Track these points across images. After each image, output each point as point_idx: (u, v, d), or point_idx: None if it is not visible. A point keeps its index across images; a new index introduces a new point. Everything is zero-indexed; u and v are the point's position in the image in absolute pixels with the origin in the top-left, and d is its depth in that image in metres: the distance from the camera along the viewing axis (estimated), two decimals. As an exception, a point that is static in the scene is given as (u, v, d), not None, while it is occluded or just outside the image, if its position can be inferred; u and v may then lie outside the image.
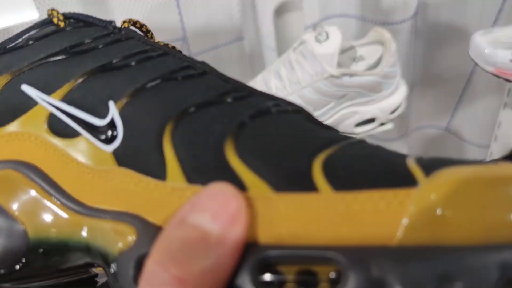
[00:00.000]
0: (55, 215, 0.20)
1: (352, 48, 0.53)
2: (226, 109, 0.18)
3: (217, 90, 0.19)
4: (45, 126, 0.20)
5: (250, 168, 0.16)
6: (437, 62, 0.67)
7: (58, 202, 0.20)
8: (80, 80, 0.20)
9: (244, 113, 0.18)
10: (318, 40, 0.47)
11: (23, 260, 0.20)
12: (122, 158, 0.19)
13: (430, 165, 0.14)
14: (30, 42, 0.22)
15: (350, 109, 0.50)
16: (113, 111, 0.19)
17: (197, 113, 0.18)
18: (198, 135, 0.18)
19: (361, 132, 0.52)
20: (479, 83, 0.66)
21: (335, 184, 0.14)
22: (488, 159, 0.61)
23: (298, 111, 0.18)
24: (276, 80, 0.50)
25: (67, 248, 0.20)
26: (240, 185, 0.16)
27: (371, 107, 0.50)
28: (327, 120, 0.49)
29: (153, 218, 0.17)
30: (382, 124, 0.52)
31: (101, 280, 0.25)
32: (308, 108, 0.48)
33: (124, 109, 0.19)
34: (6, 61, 0.22)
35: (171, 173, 0.17)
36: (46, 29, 0.22)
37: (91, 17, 0.22)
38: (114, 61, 0.21)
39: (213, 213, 0.14)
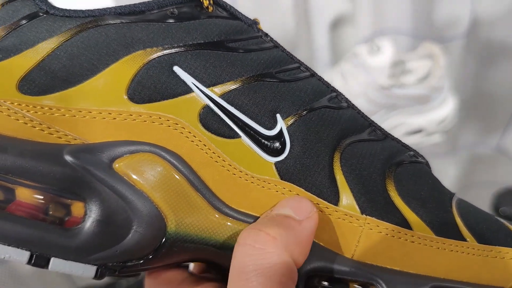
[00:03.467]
0: (201, 212, 0.20)
1: (402, 61, 0.55)
2: (377, 148, 0.22)
3: (362, 127, 0.22)
4: (197, 119, 0.20)
5: (411, 209, 0.21)
6: (488, 79, 0.67)
7: (204, 200, 0.20)
8: (244, 83, 0.20)
9: (392, 157, 0.22)
10: (370, 53, 0.50)
11: (152, 253, 0.19)
12: (286, 172, 0.20)
13: None
14: (177, 21, 0.20)
15: (398, 119, 0.52)
16: (282, 125, 0.20)
17: (357, 147, 0.21)
18: (363, 169, 0.21)
19: (410, 143, 0.54)
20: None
21: (477, 238, 0.21)
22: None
23: (426, 163, 0.23)
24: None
25: (202, 246, 0.20)
26: (405, 224, 0.21)
27: (418, 118, 0.52)
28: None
29: (316, 237, 0.20)
30: (429, 135, 0.53)
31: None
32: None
33: (293, 126, 0.20)
34: (152, 32, 0.20)
35: (345, 201, 0.20)
36: (189, 9, 0.21)
37: (234, 9, 0.22)
38: (275, 72, 0.21)
39: (294, 209, 0.20)
